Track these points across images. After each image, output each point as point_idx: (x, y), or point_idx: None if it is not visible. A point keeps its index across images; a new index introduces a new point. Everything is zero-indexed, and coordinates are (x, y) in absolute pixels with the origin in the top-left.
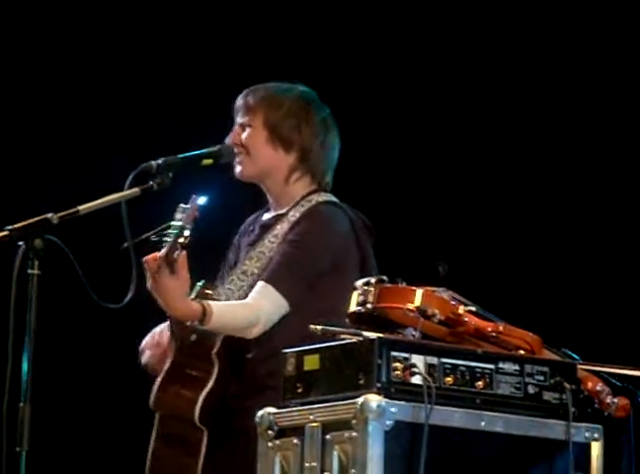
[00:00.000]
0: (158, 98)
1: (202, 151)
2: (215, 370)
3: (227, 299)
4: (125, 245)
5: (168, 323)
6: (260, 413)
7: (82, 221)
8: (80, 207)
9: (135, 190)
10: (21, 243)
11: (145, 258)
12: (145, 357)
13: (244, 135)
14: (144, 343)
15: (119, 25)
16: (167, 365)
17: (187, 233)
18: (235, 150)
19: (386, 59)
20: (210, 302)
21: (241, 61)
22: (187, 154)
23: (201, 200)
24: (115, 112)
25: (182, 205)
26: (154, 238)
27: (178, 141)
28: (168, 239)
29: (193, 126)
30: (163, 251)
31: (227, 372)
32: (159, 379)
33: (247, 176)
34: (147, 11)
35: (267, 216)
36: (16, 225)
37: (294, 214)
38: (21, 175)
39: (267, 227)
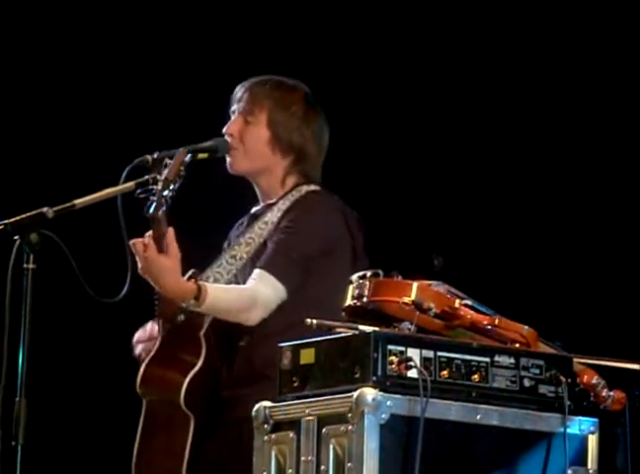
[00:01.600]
0: (154, 92)
1: (198, 145)
2: (203, 353)
3: (216, 281)
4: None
5: (156, 305)
6: (256, 407)
7: (78, 216)
8: (76, 202)
9: (130, 184)
10: (16, 237)
11: (132, 241)
12: (138, 350)
13: (245, 129)
14: (136, 336)
15: (113, 21)
16: (154, 348)
17: (172, 187)
18: (230, 140)
19: (378, 50)
20: (206, 283)
21: (235, 57)
22: (181, 148)
23: (187, 157)
24: (110, 106)
25: (167, 160)
26: (139, 193)
27: (174, 135)
28: (152, 194)
29: (189, 120)
30: (149, 234)
31: (216, 356)
32: (145, 362)
33: (239, 170)
34: (143, 7)
35: (256, 208)
36: (11, 219)
37: (284, 203)
38: (16, 169)
39: (256, 216)
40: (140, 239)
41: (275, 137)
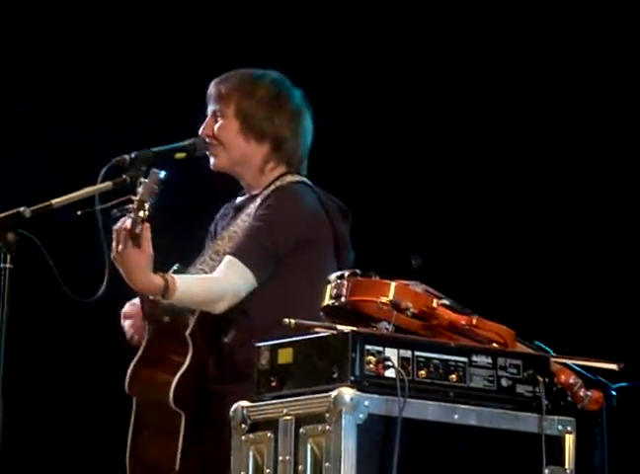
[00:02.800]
0: (133, 91)
1: (176, 145)
2: (190, 352)
3: None
4: (79, 213)
5: (140, 305)
6: (233, 407)
7: (55, 215)
8: (53, 201)
9: (108, 183)
10: None
11: (117, 226)
12: (128, 326)
13: (216, 126)
14: (125, 310)
15: (102, 18)
16: (141, 348)
17: (147, 206)
18: (208, 141)
19: (370, 46)
20: (174, 275)
21: (221, 53)
22: (160, 148)
23: (161, 175)
24: (88, 104)
25: (142, 179)
26: (115, 213)
27: (152, 135)
28: (128, 213)
29: (167, 119)
30: (129, 223)
31: (203, 354)
32: (133, 363)
33: (221, 167)
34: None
35: (240, 199)
36: None
37: (265, 193)
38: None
39: (240, 208)
40: (125, 225)
41: (244, 127)
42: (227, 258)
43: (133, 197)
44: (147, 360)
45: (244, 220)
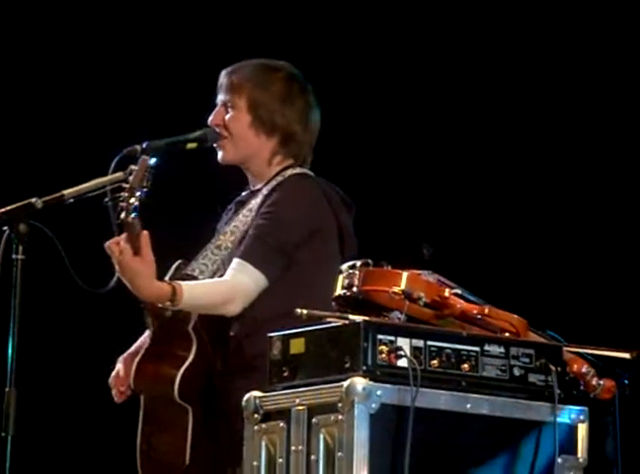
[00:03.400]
0: (144, 81)
1: (187, 135)
2: (194, 346)
3: (201, 273)
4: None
5: (142, 302)
6: (246, 397)
7: (66, 206)
8: (65, 192)
9: (119, 174)
10: (5, 228)
11: (107, 243)
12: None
13: (227, 117)
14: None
15: (103, 14)
16: (146, 344)
17: (137, 194)
18: (217, 130)
19: (375, 43)
20: (181, 282)
21: (229, 48)
22: (171, 138)
23: (151, 161)
24: (100, 96)
25: (132, 167)
26: (107, 202)
27: (163, 125)
28: (120, 202)
29: (178, 109)
30: (123, 214)
31: (208, 347)
32: (137, 358)
33: (229, 160)
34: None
35: (243, 194)
36: (0, 210)
37: (267, 188)
38: (5, 160)
39: (242, 203)
40: (115, 239)
41: (256, 119)
42: (235, 260)
43: (124, 185)
44: (152, 355)
45: (245, 215)
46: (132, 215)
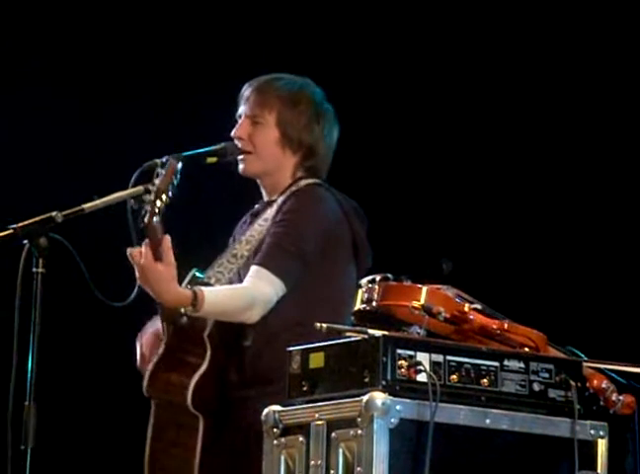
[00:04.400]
0: (162, 96)
1: (207, 149)
2: (208, 354)
3: (217, 282)
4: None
5: (158, 309)
6: (265, 411)
7: (87, 220)
8: (85, 206)
9: (140, 188)
10: (25, 241)
11: (129, 251)
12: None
13: (254, 131)
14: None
15: (116, 25)
16: (160, 350)
17: (164, 197)
18: (240, 145)
19: (384, 51)
20: (202, 287)
21: (241, 58)
22: (191, 152)
23: (179, 165)
24: (118, 111)
25: (159, 170)
26: (133, 204)
27: (182, 140)
28: (146, 204)
29: (197, 124)
30: (146, 217)
31: (222, 356)
32: (151, 365)
33: (252, 173)
34: (147, 10)
35: (258, 205)
36: (20, 224)
37: (282, 198)
38: (25, 173)
39: (257, 214)
40: (137, 248)
41: (284, 137)
42: (254, 268)
43: (150, 187)
44: (165, 363)
45: (261, 224)
46: (156, 219)
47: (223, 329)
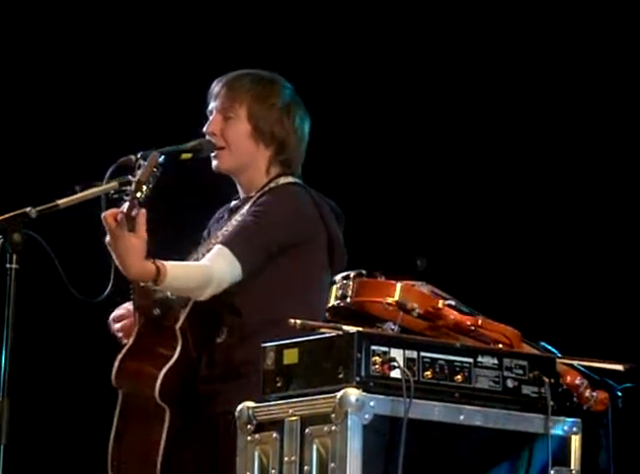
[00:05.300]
0: (137, 92)
1: (182, 146)
2: (179, 346)
3: None
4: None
5: (132, 298)
6: (239, 407)
7: (60, 215)
8: (59, 201)
9: (114, 184)
10: None
11: (104, 213)
12: (118, 329)
13: (225, 126)
14: (114, 314)
15: (108, 22)
16: (130, 341)
17: (144, 188)
18: (212, 140)
19: (367, 48)
20: (165, 262)
21: (219, 55)
22: (165, 148)
23: (160, 158)
24: (94, 106)
25: (141, 162)
26: (113, 194)
27: (157, 135)
28: (126, 195)
29: (171, 120)
30: (123, 207)
31: (192, 350)
32: (120, 355)
33: (225, 169)
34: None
35: (235, 202)
36: None
37: (259, 195)
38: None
39: (234, 210)
40: (111, 212)
41: (256, 130)
42: (216, 246)
43: (132, 179)
44: (135, 353)
45: (237, 220)
46: (136, 211)
47: (195, 322)
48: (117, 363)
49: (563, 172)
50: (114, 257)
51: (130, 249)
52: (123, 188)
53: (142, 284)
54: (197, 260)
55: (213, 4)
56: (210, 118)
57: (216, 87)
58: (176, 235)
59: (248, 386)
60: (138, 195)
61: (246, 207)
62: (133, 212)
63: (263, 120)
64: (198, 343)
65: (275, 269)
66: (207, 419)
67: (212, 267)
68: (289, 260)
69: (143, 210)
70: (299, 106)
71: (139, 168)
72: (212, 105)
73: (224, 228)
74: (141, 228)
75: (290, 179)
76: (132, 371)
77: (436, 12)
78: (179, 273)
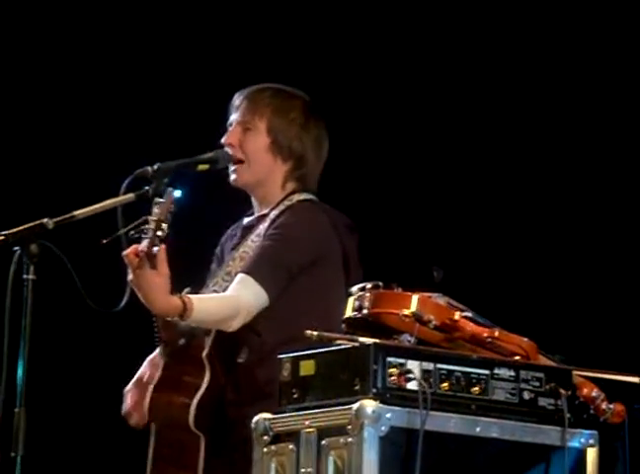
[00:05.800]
0: (154, 103)
1: (198, 157)
2: (207, 374)
3: None
4: (105, 241)
5: (156, 330)
6: (255, 418)
7: (78, 227)
8: (76, 213)
9: (130, 195)
10: (16, 248)
11: (125, 252)
12: (126, 404)
13: (244, 138)
14: (127, 389)
15: (117, 27)
16: (158, 374)
17: (164, 226)
18: (230, 151)
19: (376, 57)
20: (191, 296)
21: (234, 66)
22: (182, 160)
23: (177, 194)
24: (111, 118)
25: (157, 199)
26: (133, 234)
27: (174, 147)
28: (145, 234)
29: (189, 131)
30: (144, 244)
31: (220, 376)
32: (151, 387)
33: (243, 184)
34: (141, 17)
35: (248, 219)
36: (11, 230)
37: (275, 212)
38: (16, 180)
39: (249, 228)
40: (132, 249)
41: (275, 144)
42: (240, 276)
43: (150, 218)
44: (164, 385)
45: (254, 241)
46: (156, 248)
47: (220, 348)
48: (148, 397)
49: (585, 186)
50: (138, 294)
51: (153, 286)
52: (142, 227)
53: (169, 319)
54: (216, 283)
55: (233, 18)
56: (230, 129)
57: (237, 99)
58: (189, 261)
59: (275, 405)
60: (159, 233)
61: (261, 226)
62: (154, 250)
63: (282, 134)
64: (222, 367)
65: (293, 287)
66: (238, 443)
67: (239, 297)
68: (307, 278)
69: (163, 246)
70: (319, 122)
71: (156, 205)
72: (233, 117)
73: (241, 249)
74: (163, 264)
75: (305, 195)
76: (164, 403)
77: (445, 16)
78: (205, 306)
